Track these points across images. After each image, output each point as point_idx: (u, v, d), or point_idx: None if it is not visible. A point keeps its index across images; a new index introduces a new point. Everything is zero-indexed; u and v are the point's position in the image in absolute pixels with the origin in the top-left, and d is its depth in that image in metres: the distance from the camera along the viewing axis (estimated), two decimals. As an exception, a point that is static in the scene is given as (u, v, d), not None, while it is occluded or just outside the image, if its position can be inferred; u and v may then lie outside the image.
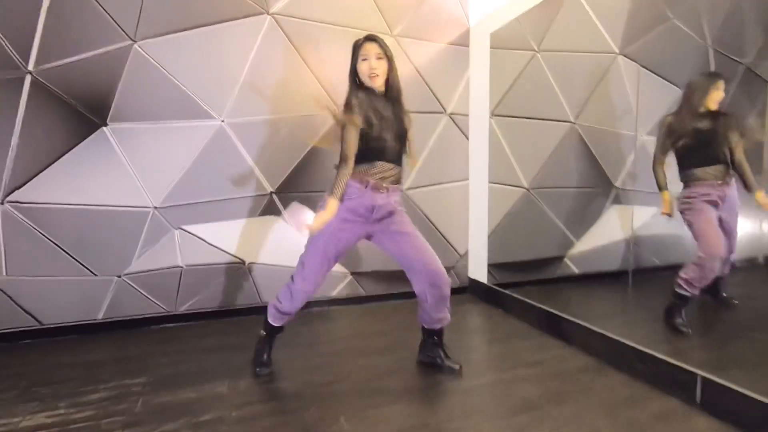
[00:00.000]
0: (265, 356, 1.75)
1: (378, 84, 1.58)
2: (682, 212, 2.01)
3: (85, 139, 2.13)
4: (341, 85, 2.43)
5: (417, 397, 1.53)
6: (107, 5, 2.09)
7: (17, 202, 2.05)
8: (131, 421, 1.38)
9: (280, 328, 1.76)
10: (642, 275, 2.73)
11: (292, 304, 1.67)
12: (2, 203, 2.03)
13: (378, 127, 1.53)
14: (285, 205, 2.48)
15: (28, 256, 2.08)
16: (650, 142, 3.09)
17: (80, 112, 2.11)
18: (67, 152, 2.11)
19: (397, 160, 1.64)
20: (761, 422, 1.26)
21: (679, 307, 1.87)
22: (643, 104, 3.08)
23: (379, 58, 1.56)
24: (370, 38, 1.58)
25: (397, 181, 1.65)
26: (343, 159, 1.53)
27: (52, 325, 2.15)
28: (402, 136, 1.63)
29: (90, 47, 2.09)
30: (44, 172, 2.08)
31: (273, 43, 2.37)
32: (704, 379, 1.42)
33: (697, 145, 1.93)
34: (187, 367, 1.79)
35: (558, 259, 3.06)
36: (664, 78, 2.99)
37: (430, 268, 1.60)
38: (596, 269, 3.08)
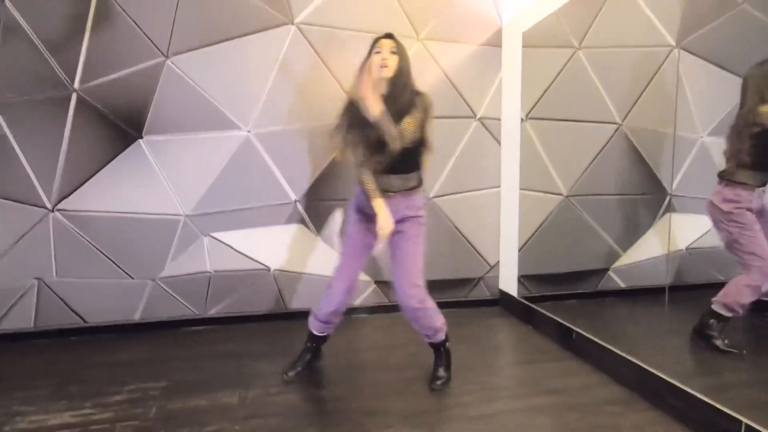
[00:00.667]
0: (299, 362, 1.82)
1: (385, 74, 1.58)
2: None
3: (123, 151, 2.27)
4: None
5: (420, 422, 1.47)
6: (142, 24, 2.21)
7: (65, 209, 2.23)
8: (143, 427, 1.45)
9: (320, 337, 1.82)
10: (689, 291, 2.46)
11: (326, 308, 1.74)
12: (53, 211, 2.22)
13: (364, 149, 1.59)
14: (309, 214, 2.51)
15: (74, 259, 2.26)
16: (712, 144, 2.78)
17: (119, 125, 2.25)
18: (107, 164, 2.26)
19: (400, 169, 1.64)
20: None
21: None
22: (705, 102, 2.76)
23: (393, 53, 1.58)
24: (387, 35, 1.64)
25: (407, 187, 1.66)
26: (357, 167, 1.64)
27: (95, 324, 2.32)
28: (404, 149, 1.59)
29: (127, 65, 2.22)
30: (88, 182, 2.25)
31: (298, 53, 2.40)
32: (748, 427, 1.24)
33: None
34: (202, 373, 1.85)
35: (602, 272, 2.83)
36: (730, 71, 2.67)
37: (398, 282, 1.64)
38: (645, 284, 2.83)
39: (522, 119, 2.61)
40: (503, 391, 1.70)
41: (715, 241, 2.62)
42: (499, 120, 2.73)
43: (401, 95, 1.57)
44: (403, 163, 1.63)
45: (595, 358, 1.90)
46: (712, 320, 1.77)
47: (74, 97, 2.19)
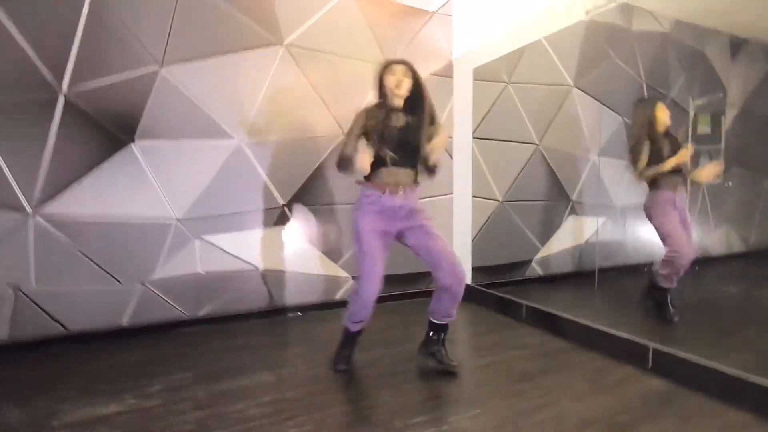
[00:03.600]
0: (345, 352, 1.94)
1: (401, 93, 1.82)
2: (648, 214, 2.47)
3: (113, 154, 2.28)
4: (346, 108, 2.76)
5: (432, 375, 1.85)
6: (138, 32, 2.28)
7: (48, 214, 2.16)
8: (200, 405, 1.60)
9: (358, 332, 1.94)
10: (592, 275, 3.25)
11: (363, 311, 1.83)
12: (33, 215, 2.14)
13: (377, 140, 1.77)
14: (296, 216, 2.74)
15: (57, 265, 2.20)
16: (598, 162, 3.69)
17: (109, 130, 2.26)
18: (96, 167, 2.25)
19: (409, 164, 1.81)
20: (701, 379, 1.70)
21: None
22: (592, 129, 3.67)
23: (406, 76, 1.82)
24: (400, 61, 1.84)
25: (413, 181, 1.84)
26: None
27: (78, 332, 2.26)
28: (414, 145, 1.80)
29: (120, 71, 2.26)
30: (74, 185, 2.21)
31: (286, 71, 2.65)
32: (655, 349, 1.87)
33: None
34: (227, 363, 2.00)
35: (527, 263, 3.53)
36: (607, 106, 3.60)
37: (457, 269, 1.79)
38: (558, 271, 3.59)
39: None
40: (486, 350, 2.16)
41: (603, 235, 3.51)
42: (451, 138, 3.26)
43: (417, 115, 1.83)
44: (412, 159, 1.82)
45: (543, 323, 2.48)
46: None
47: (62, 99, 2.16)
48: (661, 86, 3.58)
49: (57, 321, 2.22)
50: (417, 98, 1.86)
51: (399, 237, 1.88)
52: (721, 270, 3.62)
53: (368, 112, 1.86)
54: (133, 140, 2.32)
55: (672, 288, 2.38)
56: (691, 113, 3.40)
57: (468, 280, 3.21)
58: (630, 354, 1.96)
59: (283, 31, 2.62)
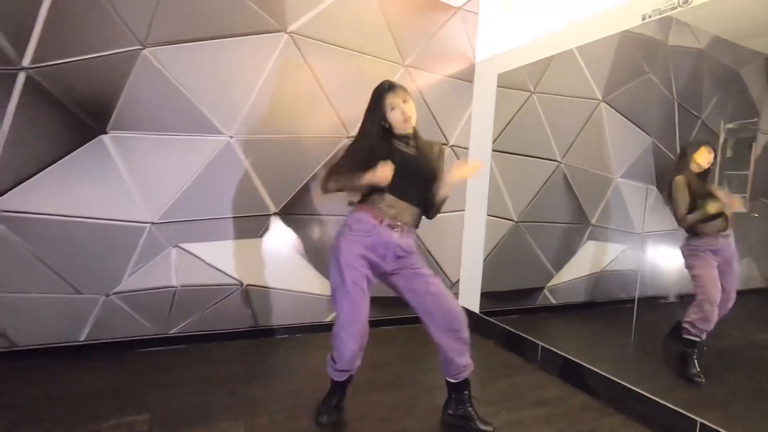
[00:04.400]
0: (331, 402, 1.62)
1: (410, 126, 1.58)
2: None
3: (81, 146, 1.97)
4: (353, 108, 2.44)
5: (440, 439, 1.54)
6: (118, 5, 1.96)
7: (0, 210, 1.85)
8: (148, 468, 1.29)
9: (343, 383, 1.63)
10: (608, 306, 2.94)
11: (342, 362, 1.53)
12: (-21, 210, 1.83)
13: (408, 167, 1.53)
14: (288, 227, 2.43)
15: (4, 270, 1.89)
16: (623, 184, 3.36)
17: (78, 116, 1.95)
18: (59, 159, 1.94)
19: (414, 200, 1.58)
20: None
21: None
22: (619, 149, 3.34)
23: (405, 102, 1.56)
24: (392, 87, 1.57)
25: (413, 223, 1.60)
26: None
27: (26, 347, 1.95)
28: (425, 177, 1.59)
29: (95, 48, 1.95)
30: (32, 179, 1.90)
31: (288, 62, 2.33)
32: (703, 425, 1.56)
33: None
34: (191, 402, 1.69)
35: (539, 290, 3.22)
36: (636, 124, 3.28)
37: (448, 310, 1.54)
38: (572, 301, 3.28)
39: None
40: (496, 404, 1.85)
41: (622, 265, 3.19)
42: (467, 149, 2.95)
43: (419, 142, 1.61)
44: (419, 195, 1.59)
45: (560, 371, 2.17)
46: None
47: (22, 76, 1.85)
48: (693, 107, 3.28)
49: (2, 334, 1.91)
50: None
51: (384, 278, 1.60)
52: (743, 308, 3.33)
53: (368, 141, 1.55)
54: (105, 131, 2.00)
55: (699, 341, 2.08)
56: (722, 137, 3.11)
57: (476, 307, 2.91)
58: (669, 427, 1.65)
59: (287, 17, 2.30)
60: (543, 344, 2.33)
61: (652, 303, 2.79)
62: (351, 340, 1.48)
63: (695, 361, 2.05)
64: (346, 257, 1.49)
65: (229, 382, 1.86)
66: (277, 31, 2.29)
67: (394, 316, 2.67)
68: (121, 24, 1.97)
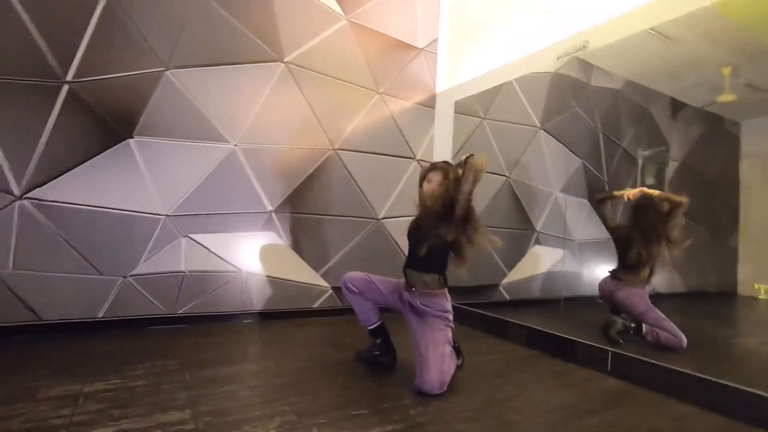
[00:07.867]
0: (378, 346, 1.94)
1: (431, 204, 1.78)
2: None
3: (110, 148, 2.33)
4: (336, 125, 2.94)
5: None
6: (147, 34, 2.40)
7: (36, 198, 2.16)
8: (188, 386, 1.61)
9: (373, 330, 1.95)
10: (553, 304, 3.48)
11: (360, 311, 1.93)
12: (21, 198, 2.12)
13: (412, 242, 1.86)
14: (282, 223, 2.83)
15: (37, 251, 2.16)
16: (561, 198, 4.03)
17: (109, 123, 2.32)
18: (91, 158, 2.28)
19: (427, 269, 1.80)
20: (652, 378, 1.89)
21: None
22: (556, 168, 4.04)
23: (438, 182, 1.78)
24: (433, 168, 1.84)
25: (424, 287, 1.80)
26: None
27: (51, 321, 2.19)
28: (437, 248, 1.76)
29: (127, 68, 2.36)
30: (67, 174, 2.23)
31: (284, 86, 2.82)
32: (613, 353, 2.06)
33: None
34: (209, 354, 2.01)
35: (494, 287, 3.73)
36: (569, 149, 3.99)
37: (422, 369, 1.67)
38: (523, 296, 3.82)
39: (449, 164, 3.43)
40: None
41: (565, 267, 3.78)
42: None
43: (439, 218, 1.75)
44: (422, 261, 1.79)
45: (518, 334, 2.64)
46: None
47: (65, 89, 2.22)
48: (615, 137, 4.03)
49: (30, 309, 2.15)
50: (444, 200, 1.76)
51: (401, 302, 1.89)
52: (666, 305, 3.95)
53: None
54: (131, 135, 2.38)
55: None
56: (640, 163, 3.84)
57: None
58: (591, 359, 2.15)
59: (284, 49, 2.81)
60: (493, 315, 2.80)
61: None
62: (349, 275, 1.94)
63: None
64: (381, 282, 1.93)
65: (238, 345, 2.20)
66: (275, 60, 2.79)
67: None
68: (149, 50, 2.40)
